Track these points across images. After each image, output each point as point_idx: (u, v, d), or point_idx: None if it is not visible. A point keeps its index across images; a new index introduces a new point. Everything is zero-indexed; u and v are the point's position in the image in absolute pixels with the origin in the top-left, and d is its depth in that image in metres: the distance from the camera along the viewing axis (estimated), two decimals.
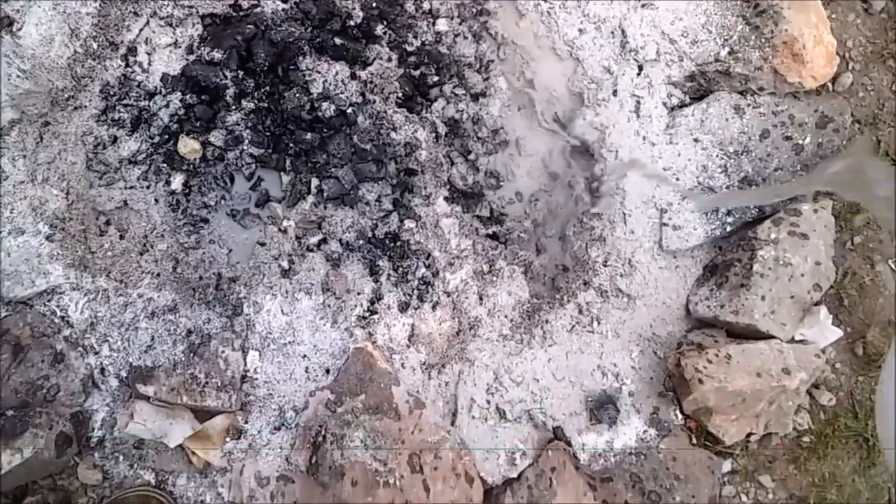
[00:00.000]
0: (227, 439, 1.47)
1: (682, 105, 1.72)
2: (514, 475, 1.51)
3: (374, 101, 1.61)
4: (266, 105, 1.58)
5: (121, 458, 1.46)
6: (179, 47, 1.59)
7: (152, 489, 1.45)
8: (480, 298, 1.60)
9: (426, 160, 1.62)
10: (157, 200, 1.55)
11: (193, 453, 1.45)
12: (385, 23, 1.65)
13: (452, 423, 1.53)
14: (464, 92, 1.69)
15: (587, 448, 1.57)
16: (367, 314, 1.55)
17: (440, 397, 1.55)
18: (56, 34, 1.46)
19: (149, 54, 1.57)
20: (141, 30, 1.56)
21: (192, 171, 1.57)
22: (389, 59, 1.63)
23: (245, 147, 1.58)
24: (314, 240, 1.57)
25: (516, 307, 1.61)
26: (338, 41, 1.60)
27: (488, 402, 1.55)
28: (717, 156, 1.67)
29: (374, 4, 1.63)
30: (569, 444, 1.55)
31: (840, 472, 1.67)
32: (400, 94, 1.63)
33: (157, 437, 1.41)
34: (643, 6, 1.68)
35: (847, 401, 1.70)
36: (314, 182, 1.59)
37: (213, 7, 1.58)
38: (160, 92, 1.56)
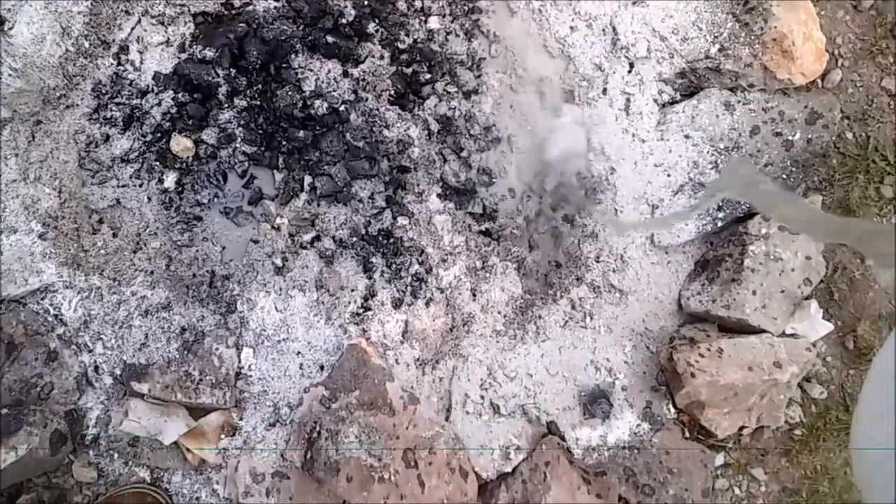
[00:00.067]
0: (222, 436, 1.47)
1: (673, 102, 1.73)
2: (509, 469, 1.52)
3: (367, 99, 1.61)
4: (258, 103, 1.59)
5: (116, 455, 1.46)
6: (171, 46, 1.59)
7: (147, 486, 1.45)
8: (474, 294, 1.61)
9: (419, 157, 1.63)
10: (149, 198, 1.55)
11: (188, 450, 1.45)
12: (377, 21, 1.66)
13: (447, 419, 1.53)
14: (456, 89, 1.69)
15: (581, 442, 1.58)
16: (360, 311, 1.55)
17: (434, 393, 1.56)
18: (48, 33, 1.46)
19: (141, 53, 1.57)
20: (133, 28, 1.56)
21: (184, 169, 1.57)
22: (382, 57, 1.64)
23: (238, 145, 1.58)
24: (307, 237, 1.58)
25: (509, 303, 1.62)
26: (330, 39, 1.60)
27: (482, 397, 1.56)
28: (707, 152, 1.68)
29: (366, 2, 1.64)
30: (562, 438, 1.56)
31: (832, 464, 1.69)
32: (392, 92, 1.64)
33: (152, 434, 1.41)
34: (634, 4, 1.69)
35: (838, 394, 1.71)
36: (307, 179, 1.59)
37: (205, 5, 1.58)
38: (152, 90, 1.56)
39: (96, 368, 1.46)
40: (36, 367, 1.40)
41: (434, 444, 1.43)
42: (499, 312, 1.61)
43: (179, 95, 1.56)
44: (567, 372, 1.60)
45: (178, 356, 1.45)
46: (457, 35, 1.72)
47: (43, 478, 1.45)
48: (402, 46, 1.66)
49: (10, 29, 1.44)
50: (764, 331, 1.56)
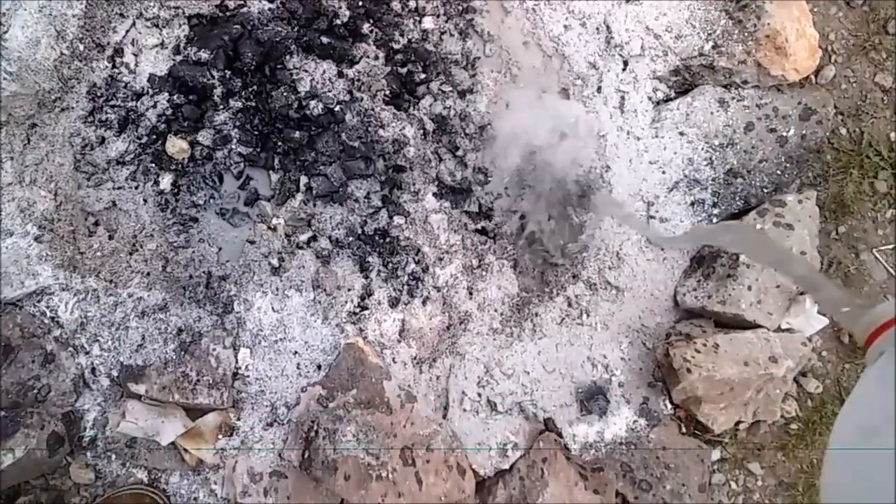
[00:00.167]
0: (220, 436, 1.47)
1: (668, 99, 1.74)
2: (506, 466, 1.53)
3: (362, 99, 1.62)
4: (254, 104, 1.59)
5: (113, 456, 1.46)
6: (166, 48, 1.59)
7: (145, 487, 1.46)
8: (470, 293, 1.61)
9: (414, 157, 1.63)
10: (145, 200, 1.55)
11: (186, 451, 1.45)
12: (371, 21, 1.66)
13: (444, 417, 1.54)
14: (451, 89, 1.70)
15: (578, 439, 1.58)
16: (357, 310, 1.55)
17: (431, 391, 1.56)
18: (42, 36, 1.47)
19: (135, 55, 1.58)
20: (127, 31, 1.57)
21: (180, 170, 1.57)
22: (376, 58, 1.64)
23: (233, 146, 1.59)
24: (304, 237, 1.58)
25: (506, 301, 1.62)
26: (325, 40, 1.61)
27: (479, 395, 1.56)
28: (702, 149, 1.69)
29: (360, 3, 1.64)
30: (560, 435, 1.56)
31: None
32: (387, 92, 1.64)
33: (150, 435, 1.41)
34: (627, 2, 1.69)
35: (834, 388, 1.72)
36: (303, 180, 1.60)
37: (200, 7, 1.58)
38: (147, 92, 1.56)
39: (93, 370, 1.46)
40: (33, 370, 1.41)
41: (431, 442, 1.44)
42: (495, 310, 1.61)
43: (174, 97, 1.56)
44: (564, 369, 1.61)
45: (174, 357, 1.45)
46: (451, 35, 1.72)
47: (40, 480, 1.45)
48: (396, 46, 1.67)
49: (5, 33, 1.44)
50: (759, 326, 1.57)
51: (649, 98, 1.72)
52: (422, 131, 1.66)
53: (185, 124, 1.57)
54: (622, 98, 1.71)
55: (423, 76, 1.69)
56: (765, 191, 1.69)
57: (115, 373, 1.46)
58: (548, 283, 1.65)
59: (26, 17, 1.46)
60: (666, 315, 1.68)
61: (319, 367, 1.53)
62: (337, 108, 1.60)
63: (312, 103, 1.58)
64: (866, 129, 1.81)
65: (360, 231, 1.60)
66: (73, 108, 1.52)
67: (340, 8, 1.62)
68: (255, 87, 1.59)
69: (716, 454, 1.65)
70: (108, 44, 1.55)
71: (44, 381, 1.41)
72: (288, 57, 1.59)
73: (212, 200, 1.59)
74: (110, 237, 1.51)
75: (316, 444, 1.39)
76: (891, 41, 1.84)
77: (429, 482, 1.40)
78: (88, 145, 1.53)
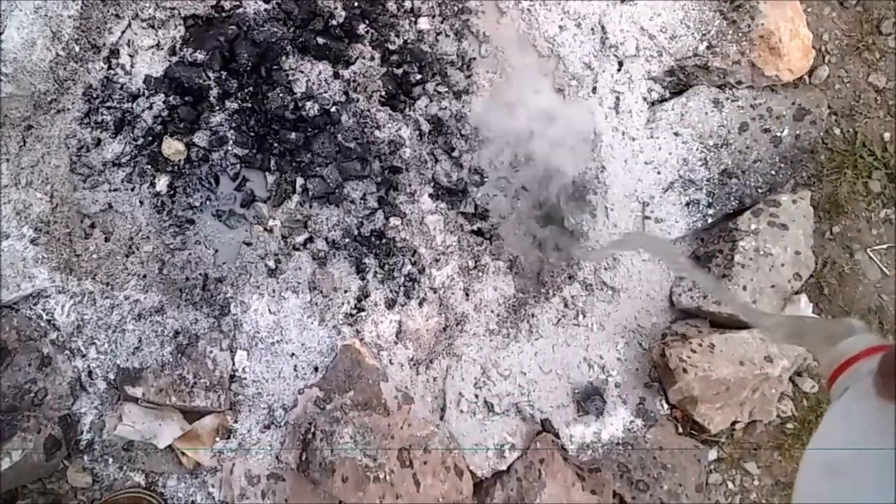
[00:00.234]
0: (217, 439, 1.47)
1: (663, 100, 1.74)
2: (504, 467, 1.53)
3: (358, 100, 1.62)
4: (250, 105, 1.59)
5: (110, 460, 1.46)
6: (162, 49, 1.59)
7: (143, 491, 1.45)
8: (466, 294, 1.61)
9: (410, 158, 1.63)
10: (141, 202, 1.55)
11: (183, 454, 1.45)
12: (367, 22, 1.66)
13: (441, 418, 1.54)
14: (446, 90, 1.70)
15: (575, 439, 1.59)
16: (354, 312, 1.55)
17: (428, 392, 1.56)
18: (38, 37, 1.46)
19: (131, 56, 1.57)
20: (123, 32, 1.56)
21: (176, 172, 1.57)
22: (372, 58, 1.64)
23: (229, 147, 1.58)
24: (300, 239, 1.58)
25: (502, 302, 1.63)
26: (320, 41, 1.61)
27: (476, 396, 1.57)
28: (697, 149, 1.69)
29: (356, 4, 1.64)
30: (557, 435, 1.56)
31: None
32: (383, 93, 1.64)
33: (147, 438, 1.41)
34: (622, 2, 1.70)
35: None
36: (299, 181, 1.60)
37: (195, 8, 1.58)
38: (143, 94, 1.56)
39: (90, 373, 1.46)
40: (29, 373, 1.40)
41: (429, 444, 1.44)
42: (492, 311, 1.62)
43: (170, 98, 1.56)
44: (560, 369, 1.61)
45: (171, 360, 1.45)
46: (447, 35, 1.72)
47: (38, 483, 1.44)
48: (392, 47, 1.67)
49: (1, 34, 1.44)
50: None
51: (644, 98, 1.72)
52: (418, 132, 1.66)
53: (181, 126, 1.57)
54: (617, 99, 1.71)
55: (418, 77, 1.69)
56: (759, 191, 1.70)
57: (111, 376, 1.46)
58: (544, 284, 1.66)
59: (22, 18, 1.46)
60: (662, 315, 1.68)
61: (316, 368, 1.53)
62: (333, 109, 1.60)
63: (308, 104, 1.58)
64: (860, 129, 1.82)
65: (356, 232, 1.60)
66: (68, 109, 1.52)
67: (336, 9, 1.62)
68: (251, 89, 1.59)
69: (712, 454, 1.65)
70: (104, 45, 1.55)
71: (40, 385, 1.41)
72: (284, 58, 1.59)
73: (208, 202, 1.59)
74: (106, 239, 1.51)
75: (313, 446, 1.39)
76: (884, 41, 1.85)
77: (426, 483, 1.40)
78: (84, 147, 1.52)
